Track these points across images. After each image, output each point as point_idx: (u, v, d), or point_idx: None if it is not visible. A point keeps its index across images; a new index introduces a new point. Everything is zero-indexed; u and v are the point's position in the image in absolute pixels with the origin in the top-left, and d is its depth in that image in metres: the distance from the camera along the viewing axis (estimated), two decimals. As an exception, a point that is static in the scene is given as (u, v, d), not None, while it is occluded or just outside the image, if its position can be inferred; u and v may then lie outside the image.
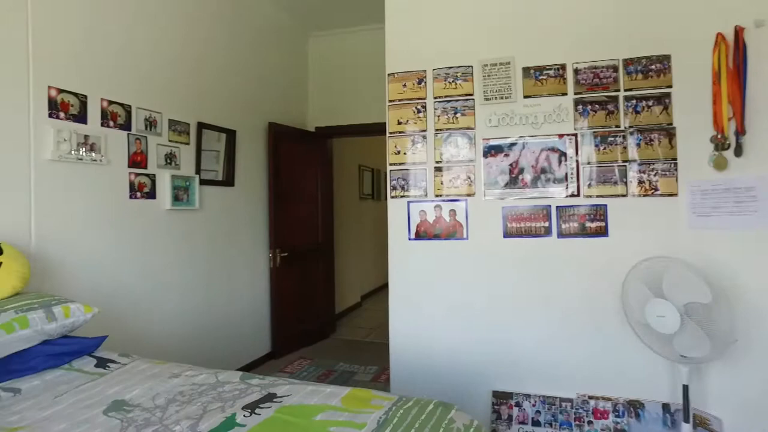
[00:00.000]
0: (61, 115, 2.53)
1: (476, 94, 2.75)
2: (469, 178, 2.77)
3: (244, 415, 1.46)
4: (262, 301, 4.32)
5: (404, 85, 2.89)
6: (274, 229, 4.37)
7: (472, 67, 2.76)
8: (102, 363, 2.03)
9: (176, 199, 3.27)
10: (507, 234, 2.69)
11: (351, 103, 4.94)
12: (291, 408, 1.52)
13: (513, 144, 2.69)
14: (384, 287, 7.91)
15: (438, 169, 2.82)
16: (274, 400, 1.58)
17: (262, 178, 4.32)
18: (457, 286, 2.79)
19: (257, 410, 1.50)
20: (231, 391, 1.68)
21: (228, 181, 3.86)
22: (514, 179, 2.68)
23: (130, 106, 2.94)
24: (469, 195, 2.77)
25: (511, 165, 2.69)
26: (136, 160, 3.00)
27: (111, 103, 2.81)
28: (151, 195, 3.11)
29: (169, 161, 3.24)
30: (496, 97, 2.71)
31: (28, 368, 1.92)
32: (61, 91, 2.53)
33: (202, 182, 3.54)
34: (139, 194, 3.01)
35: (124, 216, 2.91)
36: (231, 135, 3.86)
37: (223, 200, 3.81)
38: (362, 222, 6.84)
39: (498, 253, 2.70)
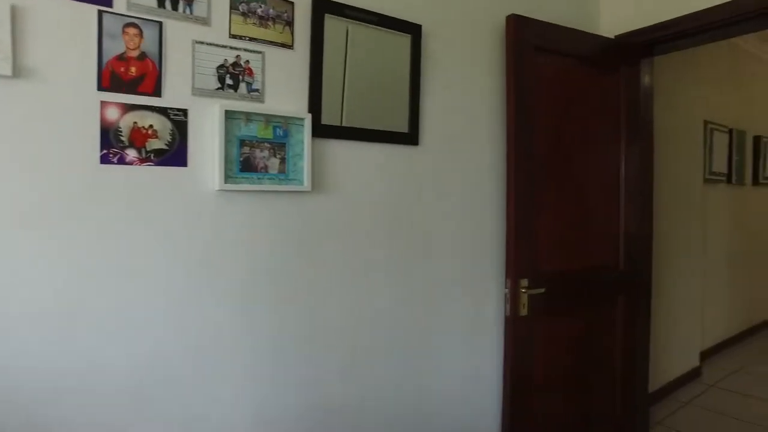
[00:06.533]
0: None
1: None
2: None
3: None
4: (484, 381, 2.11)
5: None
6: (514, 241, 2.10)
7: None
8: None
9: (245, 167, 1.42)
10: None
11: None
12: None
13: None
14: (753, 334, 4.50)
15: None
16: None
17: (489, 130, 2.10)
18: None
19: None
20: None
21: (403, 134, 1.81)
22: None
23: (103, -54, 1.23)
24: None
25: None
26: (126, 76, 1.26)
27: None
28: (175, 158, 1.33)
29: (229, 82, 1.41)
30: None
31: None
32: None
33: (322, 132, 1.58)
34: (131, 154, 1.27)
35: (82, 203, 1.22)
36: (411, 35, 1.79)
37: (394, 174, 1.78)
38: (708, 221, 3.76)
39: None
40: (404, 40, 1.77)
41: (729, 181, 4.10)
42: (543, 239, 2.16)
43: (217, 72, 1.38)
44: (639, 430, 2.58)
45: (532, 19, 2.10)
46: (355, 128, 1.64)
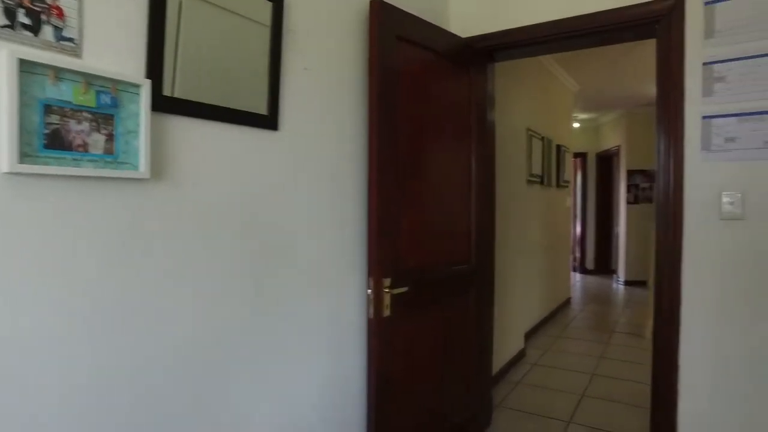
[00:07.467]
0: None
1: None
2: None
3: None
4: (349, 388, 1.97)
5: None
6: (377, 239, 1.99)
7: None
8: None
9: (54, 144, 1.02)
10: None
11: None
12: None
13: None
14: (556, 314, 5.19)
15: None
16: None
17: (352, 120, 1.96)
18: None
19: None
20: None
21: (262, 116, 1.55)
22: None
23: None
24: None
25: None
26: None
27: None
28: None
29: (25, 21, 1.00)
30: None
31: None
32: None
33: (164, 105, 1.25)
34: None
35: None
36: (272, 3, 1.55)
37: (251, 160, 1.51)
38: (529, 218, 4.21)
39: None
40: (263, 8, 1.52)
41: (542, 182, 4.66)
42: (405, 236, 2.10)
43: (3, 2, 0.96)
44: (485, 414, 2.71)
45: (395, 7, 2.02)
46: (207, 104, 1.34)
